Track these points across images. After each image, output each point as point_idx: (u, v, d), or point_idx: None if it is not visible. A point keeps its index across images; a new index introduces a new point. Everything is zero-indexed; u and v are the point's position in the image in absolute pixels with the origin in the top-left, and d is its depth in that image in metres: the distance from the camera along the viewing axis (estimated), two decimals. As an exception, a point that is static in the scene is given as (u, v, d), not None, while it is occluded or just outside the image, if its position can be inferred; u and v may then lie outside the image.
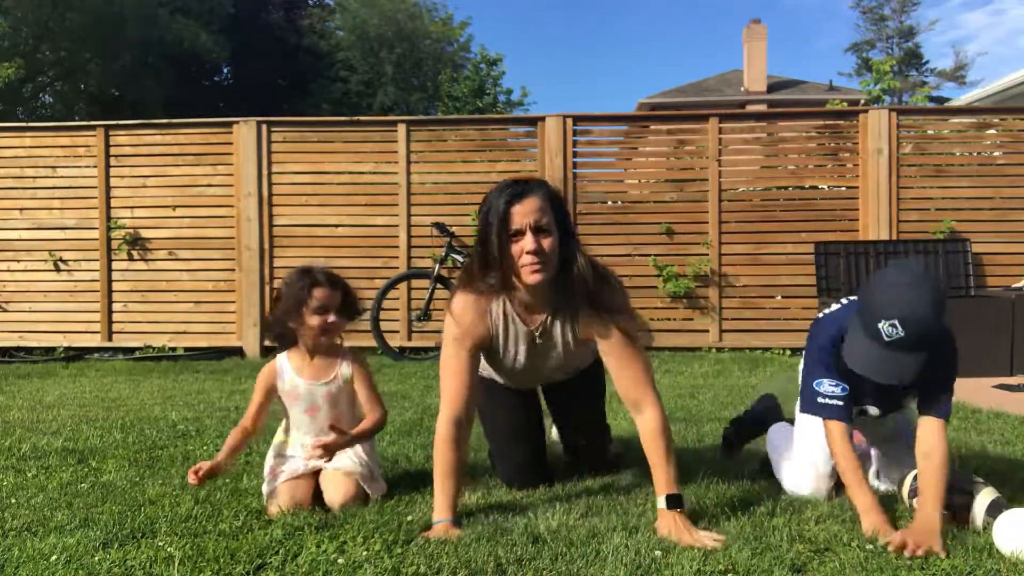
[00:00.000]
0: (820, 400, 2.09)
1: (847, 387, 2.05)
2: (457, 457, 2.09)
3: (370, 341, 6.40)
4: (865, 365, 1.91)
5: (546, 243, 2.02)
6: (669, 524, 1.94)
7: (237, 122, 6.82)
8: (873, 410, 2.20)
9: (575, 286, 2.10)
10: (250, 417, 2.39)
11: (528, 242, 2.00)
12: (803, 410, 2.16)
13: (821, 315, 2.21)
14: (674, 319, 6.59)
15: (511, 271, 2.05)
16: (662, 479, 2.03)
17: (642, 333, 2.22)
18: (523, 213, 2.01)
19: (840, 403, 2.06)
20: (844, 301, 2.16)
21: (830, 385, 2.06)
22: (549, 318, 2.20)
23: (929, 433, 2.01)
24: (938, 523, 1.86)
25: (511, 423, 2.50)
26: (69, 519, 2.12)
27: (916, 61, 35.22)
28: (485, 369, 2.40)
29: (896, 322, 1.84)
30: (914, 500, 2.04)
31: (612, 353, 2.15)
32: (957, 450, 2.92)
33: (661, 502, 2.00)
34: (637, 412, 2.13)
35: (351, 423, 2.38)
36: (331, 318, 2.33)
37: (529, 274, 2.03)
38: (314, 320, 2.31)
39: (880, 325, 1.85)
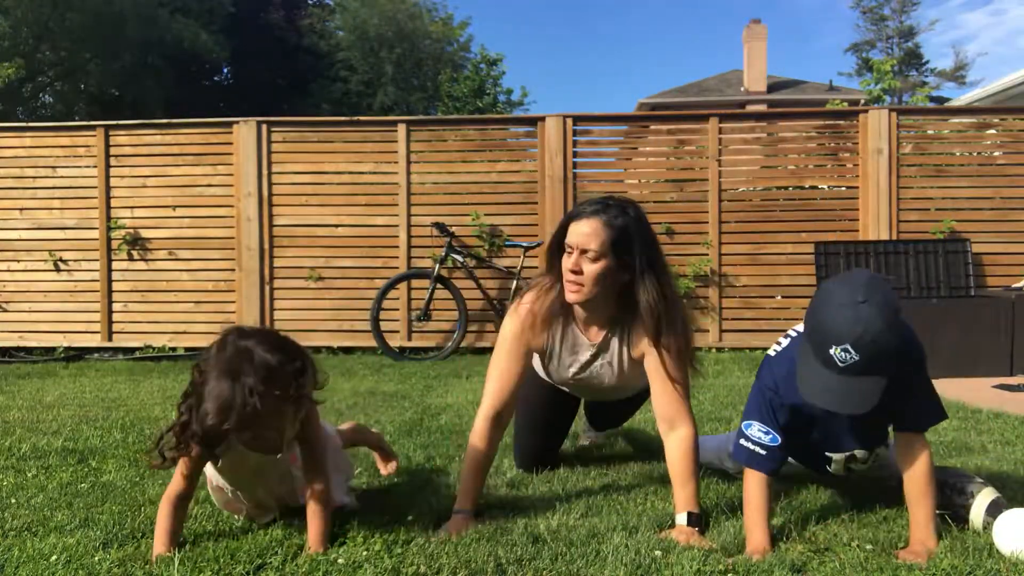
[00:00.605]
0: (743, 443, 1.95)
1: (779, 438, 1.89)
2: (488, 453, 2.16)
3: (370, 341, 6.40)
4: (823, 396, 1.76)
5: (588, 267, 2.03)
6: (682, 537, 1.91)
7: (237, 122, 6.82)
8: (860, 453, 2.03)
9: (638, 316, 2.09)
10: (184, 485, 1.87)
11: (569, 261, 2.05)
12: (732, 452, 2.03)
13: (772, 352, 2.02)
14: (674, 319, 6.58)
15: (560, 281, 2.12)
16: (684, 497, 2.03)
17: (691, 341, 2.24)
18: (577, 232, 2.04)
19: (763, 452, 1.92)
20: (793, 333, 1.99)
21: (759, 430, 1.91)
22: (608, 335, 2.21)
23: (908, 449, 1.88)
24: (934, 543, 1.80)
25: (538, 415, 2.58)
26: (69, 519, 2.12)
27: (916, 61, 35.24)
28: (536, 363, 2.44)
29: (848, 346, 1.69)
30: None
31: (656, 373, 2.15)
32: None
33: (681, 519, 1.99)
34: (670, 429, 2.12)
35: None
36: (300, 402, 1.80)
37: (567, 292, 2.09)
38: (283, 414, 1.78)
39: (832, 351, 1.71)
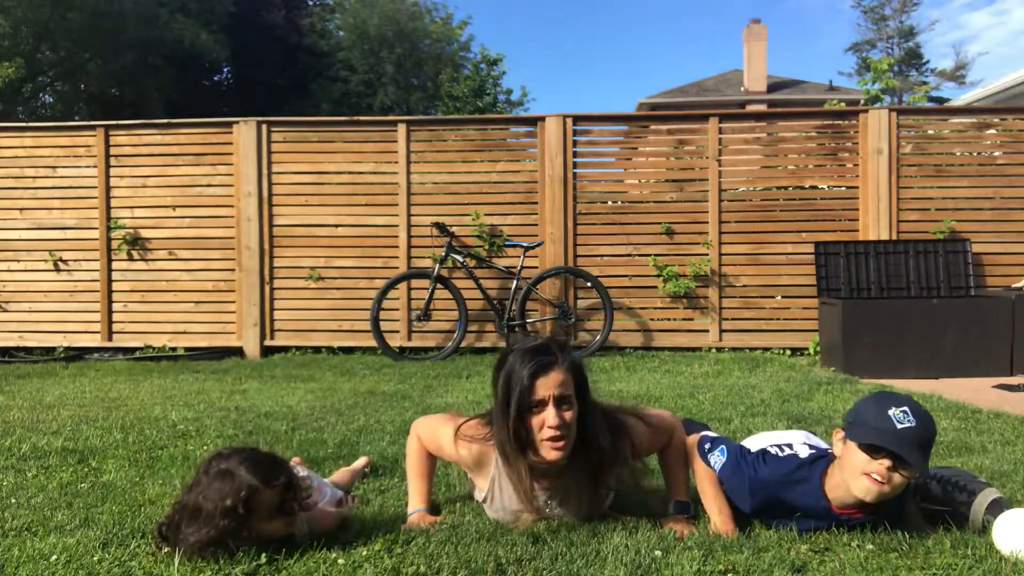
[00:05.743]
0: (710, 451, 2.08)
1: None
2: (431, 466, 2.23)
3: (370, 341, 6.40)
4: (883, 436, 1.74)
5: (568, 415, 1.94)
6: (673, 525, 2.03)
7: (237, 122, 6.82)
8: None
9: (592, 456, 2.03)
10: None
11: (551, 416, 1.91)
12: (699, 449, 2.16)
13: (774, 450, 2.06)
14: (674, 319, 6.59)
15: (528, 440, 1.96)
16: (668, 487, 2.18)
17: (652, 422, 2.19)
18: (551, 385, 1.92)
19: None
20: (792, 449, 2.04)
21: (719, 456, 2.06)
22: (563, 481, 2.09)
23: None
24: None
25: None
26: (69, 519, 2.12)
27: (916, 61, 35.26)
28: None
29: (907, 409, 1.73)
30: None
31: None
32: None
33: (669, 507, 2.13)
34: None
35: None
36: (293, 514, 1.88)
37: (549, 450, 1.93)
38: (277, 526, 1.86)
39: (891, 411, 1.75)
